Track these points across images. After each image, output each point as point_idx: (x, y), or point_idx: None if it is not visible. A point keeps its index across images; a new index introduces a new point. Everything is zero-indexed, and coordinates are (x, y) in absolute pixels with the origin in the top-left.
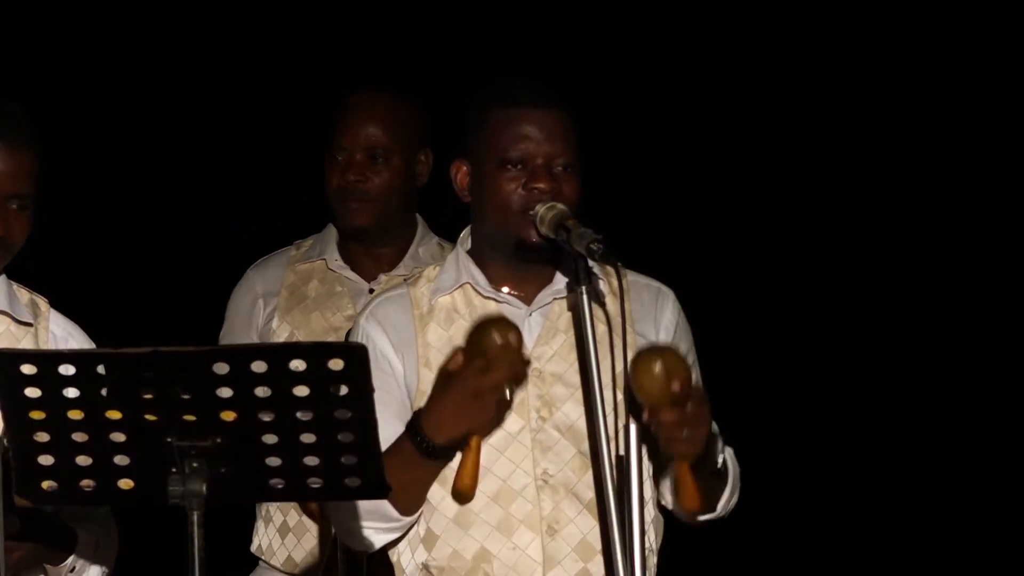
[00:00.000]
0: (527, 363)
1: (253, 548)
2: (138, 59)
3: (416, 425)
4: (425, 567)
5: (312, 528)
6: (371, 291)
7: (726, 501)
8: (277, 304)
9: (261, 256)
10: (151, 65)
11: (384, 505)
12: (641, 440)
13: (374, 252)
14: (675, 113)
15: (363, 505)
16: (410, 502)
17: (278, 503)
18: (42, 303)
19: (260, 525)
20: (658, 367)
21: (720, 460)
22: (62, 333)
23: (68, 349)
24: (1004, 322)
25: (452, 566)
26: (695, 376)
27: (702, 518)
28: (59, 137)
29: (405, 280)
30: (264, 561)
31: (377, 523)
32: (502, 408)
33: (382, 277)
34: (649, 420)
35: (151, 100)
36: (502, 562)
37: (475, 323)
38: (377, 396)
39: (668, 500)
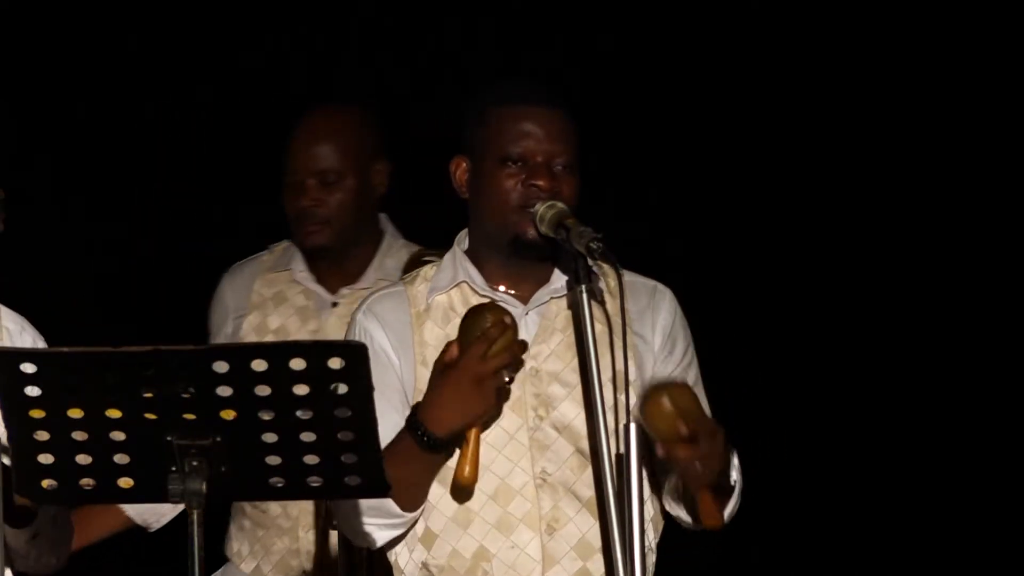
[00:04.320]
0: (524, 346)
1: (228, 552)
2: (128, 57)
3: (416, 419)
4: (424, 566)
5: (278, 541)
6: (334, 304)
7: (732, 508)
8: (245, 315)
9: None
10: (141, 61)
11: (386, 502)
12: (641, 440)
13: (339, 265)
14: (674, 113)
15: (365, 502)
16: (412, 498)
17: (248, 512)
18: None
19: (232, 528)
20: (666, 404)
21: (733, 477)
22: (16, 327)
23: (69, 348)
24: (1004, 322)
25: (451, 565)
26: (701, 392)
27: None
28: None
29: (402, 279)
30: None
31: (379, 519)
32: (502, 396)
33: (344, 291)
34: (663, 456)
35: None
36: (501, 561)
37: (467, 312)
38: (377, 391)
39: (674, 509)
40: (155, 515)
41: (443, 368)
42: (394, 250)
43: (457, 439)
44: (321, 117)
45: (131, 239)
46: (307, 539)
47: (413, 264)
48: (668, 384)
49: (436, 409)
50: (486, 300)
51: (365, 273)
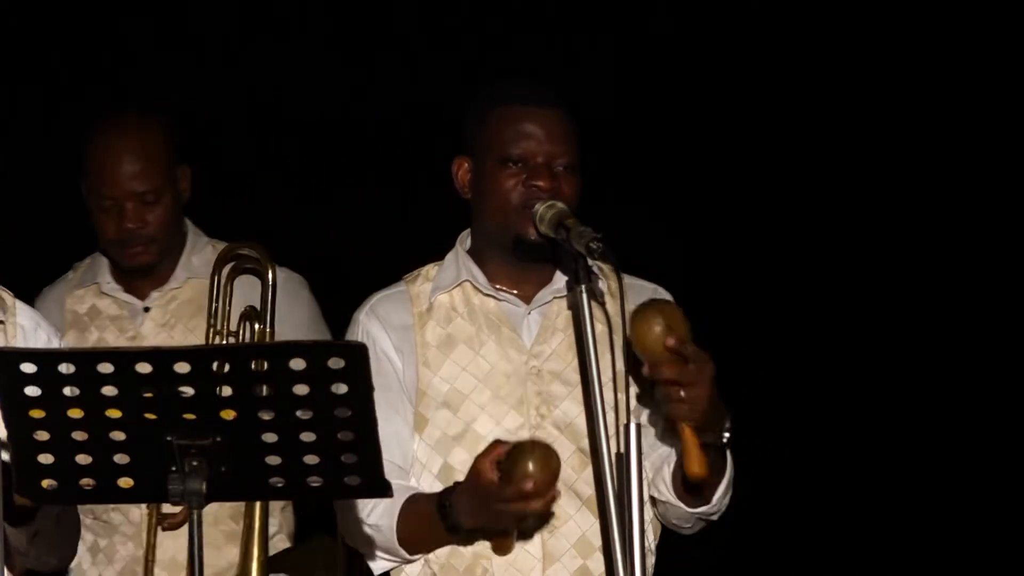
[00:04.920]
0: (555, 499)
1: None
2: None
3: (447, 501)
4: (425, 563)
5: (122, 548)
6: (146, 309)
7: (721, 495)
8: (64, 334)
9: None
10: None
11: (396, 547)
12: (640, 439)
13: (148, 272)
14: (675, 113)
15: (376, 538)
16: (422, 551)
17: (88, 523)
18: (7, 296)
19: None
20: (658, 321)
21: (725, 436)
22: (31, 325)
23: (68, 348)
24: (1004, 322)
25: (452, 563)
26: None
27: (696, 511)
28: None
29: (404, 278)
30: None
31: (385, 555)
32: (521, 524)
33: (154, 294)
34: (648, 375)
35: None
36: (502, 558)
37: (520, 444)
38: (378, 394)
39: (662, 491)
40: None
41: (479, 486)
42: (198, 248)
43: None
44: (127, 134)
45: None
46: (154, 542)
47: (223, 260)
48: (660, 302)
49: (462, 507)
50: (489, 298)
51: (174, 274)
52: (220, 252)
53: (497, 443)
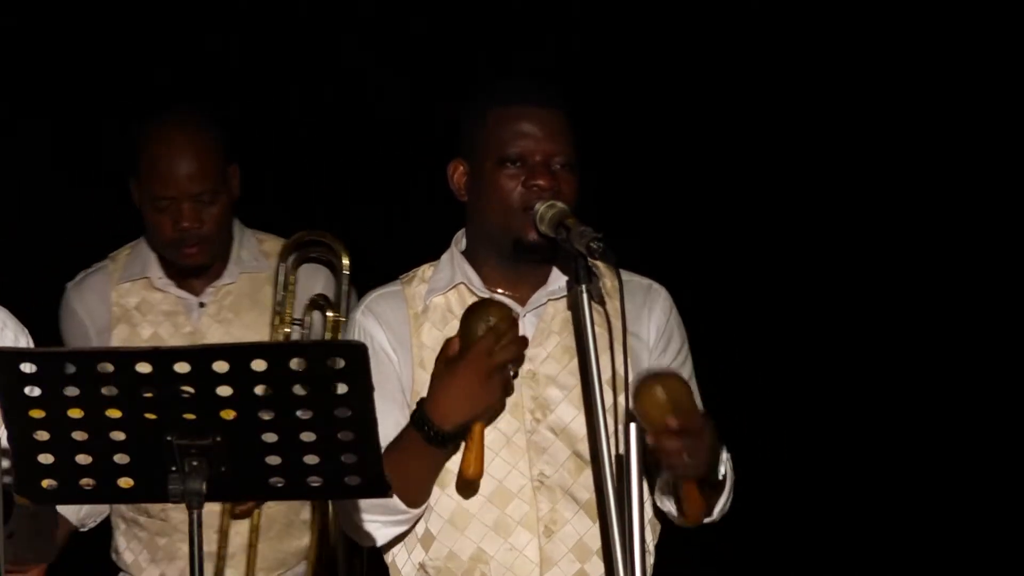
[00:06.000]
0: (525, 342)
1: (120, 563)
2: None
3: (421, 415)
4: (422, 567)
5: (183, 546)
6: (201, 304)
7: (721, 506)
8: (109, 330)
9: None
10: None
11: (390, 499)
12: (640, 441)
13: (204, 269)
14: (674, 112)
15: (369, 500)
16: (417, 494)
17: (143, 522)
18: None
19: (121, 540)
20: (660, 394)
21: (721, 472)
22: None
23: (69, 348)
24: (1004, 322)
25: (449, 566)
26: (694, 389)
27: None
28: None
29: (400, 279)
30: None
31: (383, 516)
32: (507, 389)
33: (209, 289)
34: (652, 445)
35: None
36: (499, 562)
37: (470, 306)
38: (378, 390)
39: (666, 506)
40: (92, 515)
41: (447, 364)
42: (245, 241)
43: (462, 434)
44: (182, 133)
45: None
46: (213, 540)
47: (290, 248)
48: (663, 374)
49: (442, 404)
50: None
51: (227, 269)
52: (288, 240)
53: (449, 340)
